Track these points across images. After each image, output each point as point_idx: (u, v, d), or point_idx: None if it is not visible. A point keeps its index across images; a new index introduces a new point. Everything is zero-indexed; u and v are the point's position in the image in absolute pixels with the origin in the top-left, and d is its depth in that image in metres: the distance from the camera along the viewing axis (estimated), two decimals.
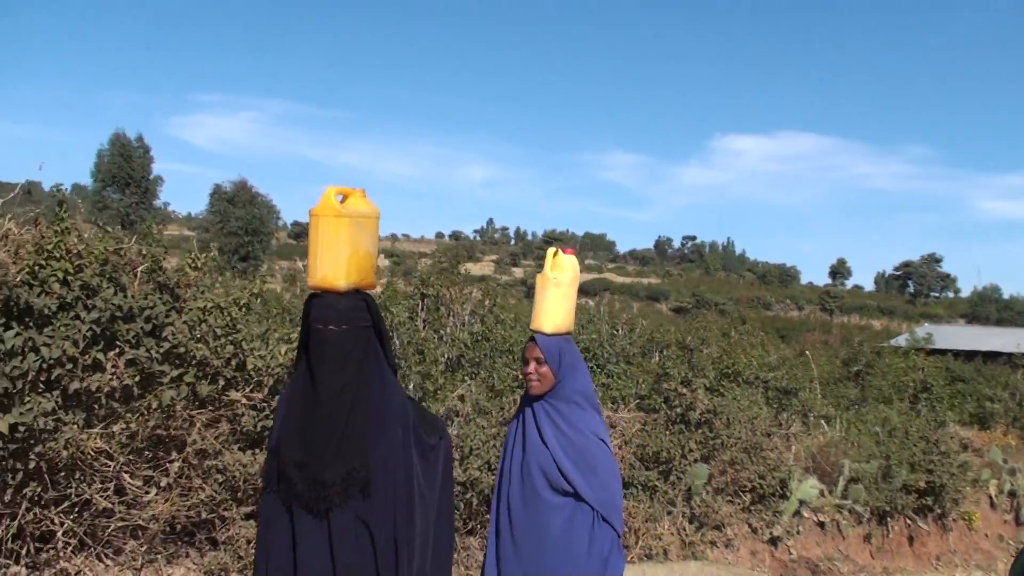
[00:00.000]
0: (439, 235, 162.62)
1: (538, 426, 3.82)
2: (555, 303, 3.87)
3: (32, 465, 4.98)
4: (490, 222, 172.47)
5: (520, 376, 4.13)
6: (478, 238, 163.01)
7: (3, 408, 4.82)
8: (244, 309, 6.06)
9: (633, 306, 57.74)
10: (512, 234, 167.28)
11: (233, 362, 5.87)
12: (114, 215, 53.73)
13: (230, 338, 5.86)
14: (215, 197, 53.39)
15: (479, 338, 10.88)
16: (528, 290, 75.98)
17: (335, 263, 2.98)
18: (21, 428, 4.84)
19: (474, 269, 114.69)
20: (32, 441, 4.96)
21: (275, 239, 61.87)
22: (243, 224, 51.81)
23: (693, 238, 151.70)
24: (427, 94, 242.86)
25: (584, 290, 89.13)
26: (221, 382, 5.77)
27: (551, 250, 3.98)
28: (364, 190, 3.13)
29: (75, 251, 5.29)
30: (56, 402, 4.97)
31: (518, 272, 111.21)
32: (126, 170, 55.27)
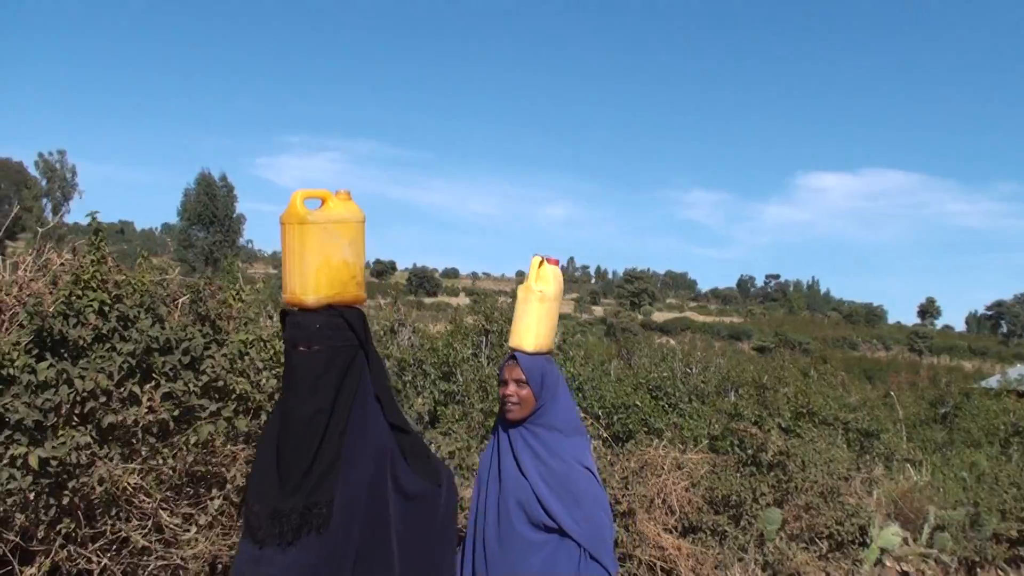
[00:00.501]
0: (519, 273, 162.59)
1: (515, 455, 3.43)
2: (539, 319, 3.49)
3: (67, 501, 4.85)
4: (570, 260, 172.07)
5: (498, 399, 3.68)
6: None
7: (35, 442, 4.70)
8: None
9: (715, 345, 56.88)
10: (592, 272, 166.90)
11: (276, 396, 5.69)
12: (199, 252, 54.91)
13: (273, 372, 5.69)
14: None
15: None
16: (608, 328, 75.55)
17: (303, 276, 2.69)
18: (54, 463, 4.72)
19: None
20: (66, 476, 4.82)
21: None
22: None
23: (776, 276, 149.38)
24: (508, 133, 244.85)
25: (664, 329, 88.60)
26: (263, 416, 5.60)
27: (535, 259, 3.58)
28: (349, 192, 2.82)
29: (113, 281, 5.18)
30: (91, 436, 4.83)
31: (598, 310, 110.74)
32: (211, 209, 56.53)
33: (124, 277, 5.27)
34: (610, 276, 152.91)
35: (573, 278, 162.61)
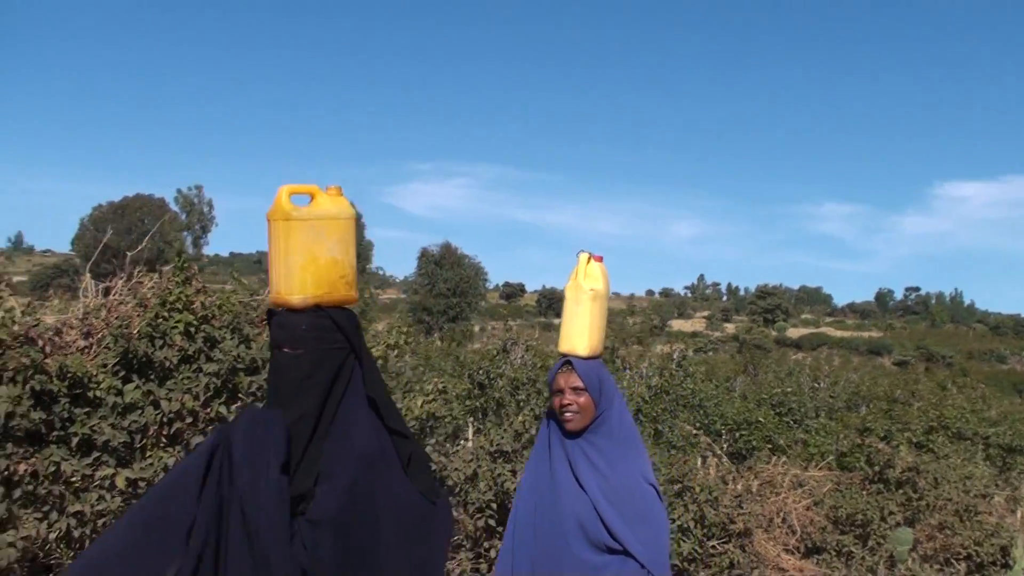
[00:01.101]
0: (649, 292, 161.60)
1: (573, 468, 3.13)
2: (591, 319, 3.20)
3: None
4: (700, 278, 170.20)
5: (548, 410, 3.37)
6: (688, 294, 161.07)
7: (123, 463, 4.71)
8: (379, 362, 5.78)
9: (852, 360, 55.16)
10: (723, 290, 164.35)
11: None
12: None
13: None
14: (423, 260, 54.92)
15: (657, 391, 10.31)
16: (740, 345, 74.09)
17: (288, 275, 2.49)
18: (142, 483, 4.71)
19: (685, 326, 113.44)
20: None
21: (485, 300, 62.83)
22: (451, 286, 52.95)
23: (916, 289, 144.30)
24: (635, 152, 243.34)
25: (799, 345, 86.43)
26: None
27: (583, 255, 3.29)
28: (340, 188, 2.65)
29: (200, 303, 5.17)
30: (177, 457, 4.81)
31: (730, 328, 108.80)
32: None
33: (211, 298, 5.27)
34: (741, 293, 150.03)
35: (703, 296, 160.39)
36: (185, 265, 5.22)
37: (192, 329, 5.08)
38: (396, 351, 5.94)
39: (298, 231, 2.51)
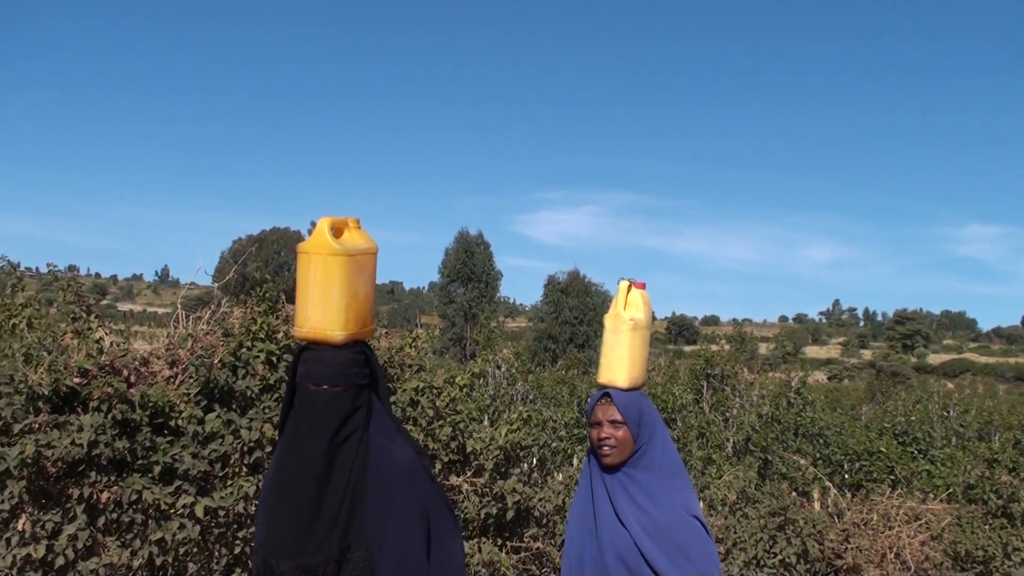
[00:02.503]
0: (782, 318, 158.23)
1: (613, 503, 3.00)
2: (631, 350, 3.06)
3: (238, 550, 4.89)
4: (835, 303, 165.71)
5: (591, 443, 3.23)
6: (823, 320, 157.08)
7: (203, 492, 4.78)
8: (464, 390, 5.75)
9: (998, 388, 52.75)
10: (860, 315, 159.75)
11: (452, 444, 5.57)
12: (458, 308, 56.74)
13: (449, 419, 5.57)
14: (549, 288, 55.00)
15: (768, 420, 9.99)
16: (879, 371, 71.72)
17: (330, 310, 2.45)
18: (221, 512, 4.77)
19: (819, 352, 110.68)
20: (236, 526, 4.88)
21: None
22: (577, 313, 52.82)
23: None
24: (767, 174, 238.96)
25: (943, 371, 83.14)
26: (438, 465, 5.48)
27: (623, 283, 3.15)
28: (359, 220, 2.60)
29: (283, 332, 5.24)
30: (257, 486, 4.85)
31: (867, 354, 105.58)
32: (469, 265, 58.27)
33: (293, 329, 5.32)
34: (879, 319, 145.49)
35: (839, 321, 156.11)
36: (268, 295, 5.29)
37: (274, 358, 5.15)
38: (482, 378, 5.89)
39: (342, 266, 2.48)
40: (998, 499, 8.24)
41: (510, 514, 5.59)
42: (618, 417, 3.01)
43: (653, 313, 3.19)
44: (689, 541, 2.94)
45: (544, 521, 5.86)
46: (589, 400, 3.19)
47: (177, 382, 5.03)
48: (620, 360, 3.08)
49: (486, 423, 5.92)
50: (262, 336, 5.13)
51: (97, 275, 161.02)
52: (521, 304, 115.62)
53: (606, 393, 3.08)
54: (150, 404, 4.70)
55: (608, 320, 3.14)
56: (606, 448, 3.03)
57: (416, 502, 2.54)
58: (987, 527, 7.81)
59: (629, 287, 3.11)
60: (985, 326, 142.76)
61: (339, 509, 2.42)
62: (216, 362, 4.98)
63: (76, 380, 4.67)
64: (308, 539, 2.41)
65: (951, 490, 9.06)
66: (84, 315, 5.13)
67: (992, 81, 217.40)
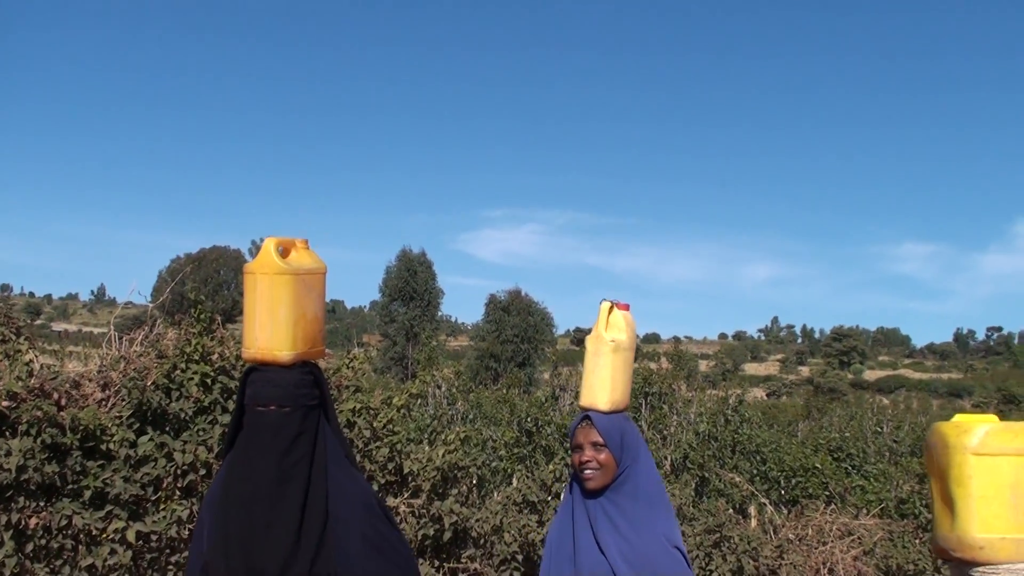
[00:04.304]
0: (722, 336, 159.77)
1: (593, 529, 2.96)
2: (613, 372, 3.03)
3: (171, 575, 4.83)
4: (774, 320, 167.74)
5: (570, 467, 3.19)
6: (762, 337, 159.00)
7: (135, 516, 4.72)
8: (402, 410, 5.75)
9: (932, 403, 53.76)
10: (798, 332, 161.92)
11: (390, 466, 5.56)
12: (400, 327, 56.51)
13: (386, 440, 5.56)
14: (490, 307, 55.07)
15: (705, 437, 10.10)
16: (816, 388, 72.74)
17: (277, 330, 2.44)
18: (153, 537, 4.71)
19: (759, 369, 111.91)
20: (169, 551, 4.81)
21: (554, 345, 62.80)
22: (518, 332, 52.91)
23: (999, 329, 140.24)
24: (708, 194, 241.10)
25: (877, 388, 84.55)
26: (375, 487, 5.46)
27: (604, 305, 3.14)
28: (307, 240, 2.60)
29: (217, 353, 5.19)
30: (191, 509, 4.80)
31: (805, 370, 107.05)
32: (411, 284, 58.11)
33: (231, 349, 5.28)
34: (816, 335, 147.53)
35: (778, 338, 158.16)
36: (203, 315, 5.24)
37: (209, 380, 5.10)
38: (419, 399, 5.90)
39: (287, 285, 2.47)
40: (929, 513, 8.41)
41: (447, 535, 5.59)
42: (599, 440, 2.98)
43: (637, 335, 3.18)
44: (669, 571, 2.91)
45: (482, 542, 5.86)
46: (571, 424, 3.18)
47: (109, 405, 4.96)
48: (601, 382, 3.05)
49: (425, 443, 5.90)
50: (196, 358, 5.08)
51: (31, 294, 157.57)
52: (463, 323, 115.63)
53: (587, 416, 3.05)
54: (81, 427, 4.63)
55: (589, 342, 3.12)
56: (588, 471, 3.00)
57: (373, 529, 2.54)
58: (918, 541, 7.96)
59: (611, 308, 3.10)
60: (919, 342, 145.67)
61: (296, 532, 2.41)
62: (149, 384, 4.92)
63: (4, 403, 4.58)
64: (277, 566, 2.39)
65: (884, 505, 9.23)
66: (13, 336, 5.04)
67: (925, 98, 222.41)
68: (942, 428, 2.53)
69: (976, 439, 2.45)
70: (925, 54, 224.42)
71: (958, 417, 2.60)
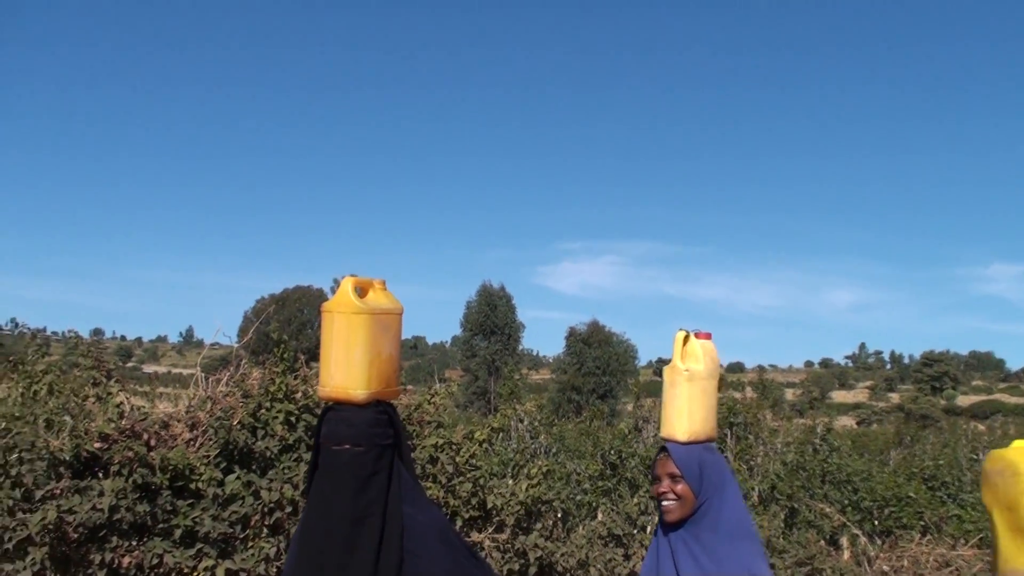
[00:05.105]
0: (808, 363, 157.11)
1: (675, 562, 2.92)
2: (690, 402, 2.98)
3: None
4: (862, 347, 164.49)
5: (653, 499, 3.13)
6: (850, 364, 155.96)
7: (224, 554, 4.78)
8: (484, 445, 5.75)
9: None
10: (887, 358, 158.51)
11: (473, 501, 5.55)
12: (481, 361, 56.76)
13: (468, 475, 5.56)
14: (570, 339, 55.03)
15: (793, 467, 9.89)
16: (907, 415, 70.94)
17: (353, 369, 2.45)
18: (243, 574, 4.77)
19: (847, 396, 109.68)
20: None
21: (633, 378, 62.51)
22: (599, 364, 52.75)
23: None
24: (785, 219, 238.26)
25: (973, 413, 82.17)
26: (459, 522, 5.46)
27: (679, 334, 3.08)
28: (384, 281, 2.62)
29: (301, 391, 5.26)
30: (278, 547, 4.85)
31: (895, 397, 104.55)
32: (491, 319, 58.37)
33: (311, 388, 5.34)
34: (906, 361, 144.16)
35: (866, 365, 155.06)
36: (286, 354, 5.32)
37: (293, 418, 5.16)
38: (501, 434, 5.89)
39: (366, 325, 2.49)
40: None
41: (532, 570, 5.55)
42: (676, 471, 2.93)
43: (721, 364, 3.12)
44: None
45: None
46: (653, 456, 3.15)
47: (197, 444, 5.05)
48: (678, 412, 3.01)
49: (508, 478, 5.89)
50: (281, 396, 5.15)
51: (122, 337, 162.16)
52: (544, 356, 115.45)
53: (664, 447, 3.03)
54: (170, 467, 4.72)
55: (665, 373, 3.09)
56: (666, 503, 2.96)
57: (453, 562, 2.54)
58: None
59: (686, 337, 3.06)
60: (1014, 366, 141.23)
61: (372, 572, 2.42)
62: (235, 423, 5.00)
63: (97, 445, 4.70)
64: None
65: (983, 535, 8.91)
66: (104, 379, 5.18)
67: (1013, 120, 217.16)
68: (1010, 455, 2.43)
69: None
70: (1006, 74, 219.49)
71: (1017, 443, 2.50)
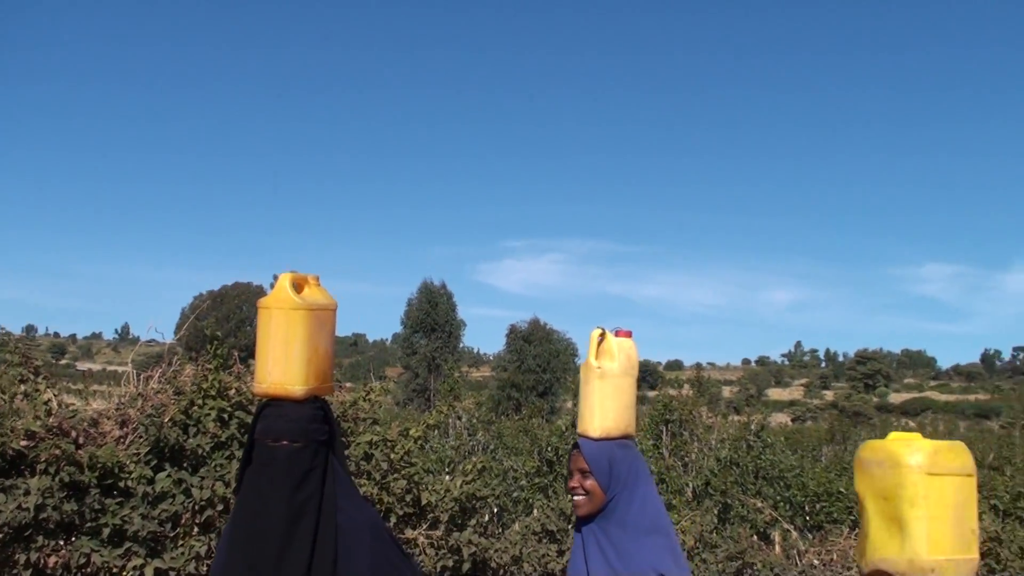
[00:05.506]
0: (745, 361, 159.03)
1: (586, 557, 2.97)
2: (602, 399, 3.01)
3: None
4: (798, 345, 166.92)
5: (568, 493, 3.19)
6: (786, 362, 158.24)
7: (154, 553, 4.73)
8: (419, 442, 5.75)
9: (960, 425, 53.30)
10: (822, 356, 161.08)
11: (407, 498, 5.55)
12: (421, 359, 56.59)
13: (403, 472, 5.56)
14: (511, 337, 55.13)
15: (727, 463, 10.03)
16: (841, 412, 72.19)
17: (291, 365, 2.46)
18: (172, 573, 4.72)
19: (782, 394, 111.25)
20: None
21: (572, 376, 62.78)
22: (540, 361, 52.92)
23: None
24: (729, 219, 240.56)
25: (904, 410, 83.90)
26: (393, 519, 5.46)
27: (595, 332, 3.11)
28: (318, 277, 2.63)
29: (235, 388, 5.22)
30: (209, 545, 4.81)
31: (829, 394, 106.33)
32: (432, 316, 58.23)
33: (245, 385, 5.30)
34: (840, 359, 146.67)
35: (802, 363, 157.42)
36: (219, 351, 5.27)
37: (226, 415, 5.12)
38: (438, 429, 5.90)
39: (302, 321, 2.51)
40: None
41: (466, 566, 5.57)
42: (585, 467, 2.98)
43: (636, 360, 3.14)
44: None
45: (501, 572, 5.84)
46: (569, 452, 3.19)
47: (127, 442, 4.99)
48: (590, 409, 3.05)
49: (446, 475, 5.90)
50: (213, 393, 5.11)
51: (56, 334, 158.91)
52: (485, 353, 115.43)
53: (575, 443, 3.07)
54: (99, 465, 4.66)
55: (581, 370, 3.13)
56: (576, 498, 3.01)
57: (385, 560, 2.55)
58: None
59: (601, 335, 3.11)
60: (944, 364, 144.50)
61: (306, 568, 2.42)
62: (166, 421, 4.94)
63: (23, 443, 4.63)
64: None
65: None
66: (32, 377, 5.09)
67: (946, 121, 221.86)
68: (890, 447, 2.52)
69: (928, 458, 2.45)
70: (943, 78, 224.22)
71: (894, 435, 2.60)
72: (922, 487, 2.42)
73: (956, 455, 2.48)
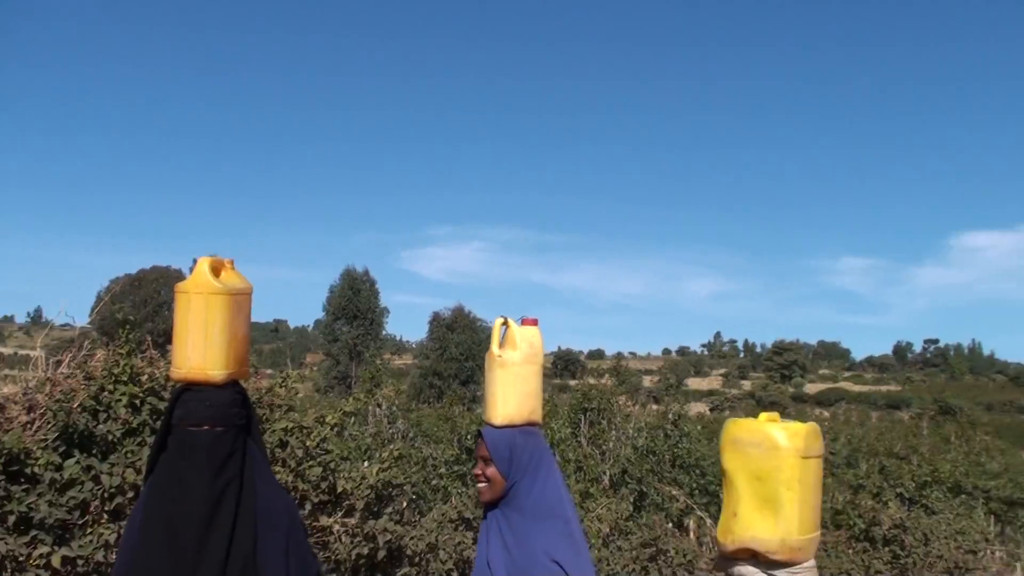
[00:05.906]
0: (665, 351, 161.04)
1: (488, 543, 3.03)
2: (504, 387, 3.06)
3: None
4: (717, 335, 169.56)
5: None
6: (705, 352, 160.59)
7: (61, 541, 4.64)
8: (334, 429, 5.73)
9: (871, 416, 54.63)
10: (741, 346, 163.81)
11: (323, 485, 5.53)
12: (343, 346, 56.24)
13: (319, 459, 5.53)
14: (434, 324, 55.09)
15: (644, 452, 10.18)
16: (758, 401, 73.53)
17: (211, 350, 2.46)
18: (79, 561, 4.63)
19: (701, 384, 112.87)
20: (96, 575, 4.74)
21: None
22: (462, 349, 52.97)
23: (935, 341, 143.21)
24: (652, 209, 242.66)
25: (818, 400, 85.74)
26: (308, 507, 5.43)
27: (498, 321, 3.17)
28: (233, 260, 2.62)
29: (147, 374, 5.14)
30: (118, 533, 4.73)
31: (747, 384, 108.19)
32: (354, 303, 57.92)
33: (160, 370, 5.23)
34: (758, 350, 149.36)
35: (720, 353, 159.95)
36: (131, 335, 5.19)
37: (137, 401, 5.04)
38: (353, 418, 5.88)
39: (223, 306, 2.50)
40: (862, 523, 8.55)
41: (382, 554, 5.57)
42: (486, 454, 3.02)
43: (541, 348, 3.16)
44: None
45: (417, 560, 5.85)
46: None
47: (34, 428, 4.87)
48: (492, 397, 3.09)
49: (364, 463, 5.89)
50: (125, 379, 5.02)
51: None
52: (407, 341, 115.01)
53: (479, 432, 3.12)
54: (4, 451, 4.54)
55: (486, 359, 3.16)
56: (478, 485, 3.07)
57: (300, 544, 2.57)
58: (851, 551, 8.09)
59: (503, 323, 3.13)
60: (858, 355, 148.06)
61: (226, 553, 2.41)
62: (76, 406, 4.85)
63: None
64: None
65: (827, 518, 9.37)
66: None
67: (861, 116, 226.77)
68: (766, 429, 2.60)
69: (803, 442, 2.54)
70: (856, 69, 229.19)
71: (764, 416, 2.69)
72: (798, 470, 2.52)
73: (818, 438, 2.61)
